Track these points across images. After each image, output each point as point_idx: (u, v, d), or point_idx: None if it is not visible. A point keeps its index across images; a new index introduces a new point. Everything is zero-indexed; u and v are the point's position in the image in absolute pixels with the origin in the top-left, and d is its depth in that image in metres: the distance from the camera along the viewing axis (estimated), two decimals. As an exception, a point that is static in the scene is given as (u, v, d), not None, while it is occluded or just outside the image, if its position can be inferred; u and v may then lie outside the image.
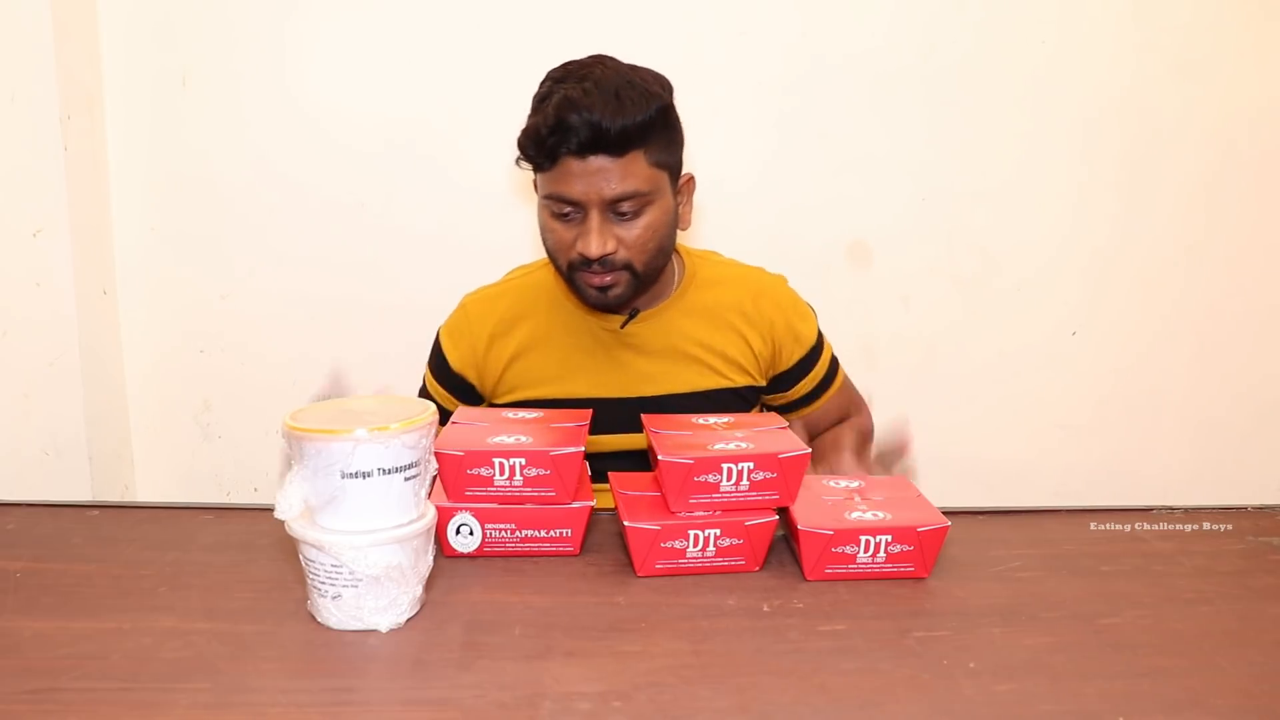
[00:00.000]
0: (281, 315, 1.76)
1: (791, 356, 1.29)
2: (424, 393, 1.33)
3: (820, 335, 1.32)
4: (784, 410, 1.31)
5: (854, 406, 1.37)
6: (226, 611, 0.81)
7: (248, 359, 1.78)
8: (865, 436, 1.34)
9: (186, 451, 1.79)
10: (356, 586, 0.78)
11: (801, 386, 1.30)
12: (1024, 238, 1.77)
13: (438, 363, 1.31)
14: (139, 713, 0.69)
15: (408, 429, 0.78)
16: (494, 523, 0.93)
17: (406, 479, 0.79)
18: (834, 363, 1.33)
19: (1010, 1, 1.70)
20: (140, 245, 1.73)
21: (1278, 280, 1.80)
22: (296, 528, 0.79)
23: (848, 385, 1.36)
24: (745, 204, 1.72)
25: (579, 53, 1.18)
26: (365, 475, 0.77)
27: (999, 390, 1.82)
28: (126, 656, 0.76)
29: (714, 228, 1.65)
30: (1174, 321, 1.80)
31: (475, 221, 1.72)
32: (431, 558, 0.83)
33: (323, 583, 0.79)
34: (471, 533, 0.93)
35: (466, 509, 0.93)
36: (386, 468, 0.77)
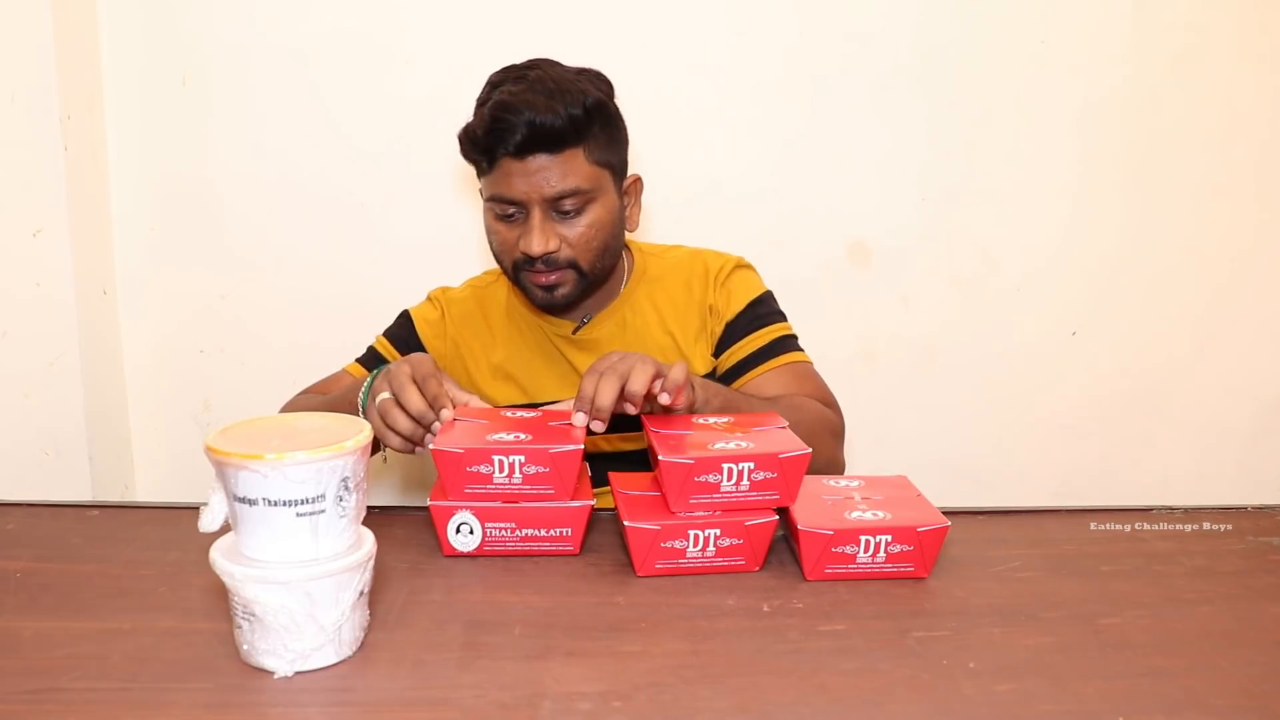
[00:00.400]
0: (282, 316, 1.76)
1: (723, 317, 1.26)
2: (370, 359, 1.32)
3: (763, 303, 1.28)
4: (726, 379, 1.24)
5: (819, 394, 1.23)
6: (226, 612, 0.81)
7: (248, 359, 1.78)
8: (806, 412, 1.16)
9: (186, 452, 1.79)
10: (249, 621, 0.72)
11: (736, 351, 1.25)
12: (1024, 238, 1.77)
13: (407, 340, 1.31)
14: (139, 713, 0.69)
15: (297, 461, 0.69)
16: (494, 522, 0.93)
17: (299, 514, 0.71)
18: (785, 341, 1.26)
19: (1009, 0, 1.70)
20: (140, 245, 1.73)
21: (1279, 278, 1.80)
22: (214, 546, 0.75)
23: (809, 375, 1.25)
24: (744, 205, 1.72)
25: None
26: (250, 502, 0.71)
27: (999, 390, 1.82)
28: (126, 657, 0.76)
29: (713, 229, 1.65)
30: (1174, 321, 1.80)
31: (477, 223, 1.72)
32: (360, 614, 0.76)
33: (232, 607, 0.74)
34: (471, 532, 0.93)
35: (466, 508, 0.93)
36: (272, 499, 0.70)
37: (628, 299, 1.28)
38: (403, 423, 0.99)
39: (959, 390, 1.82)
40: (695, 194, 1.69)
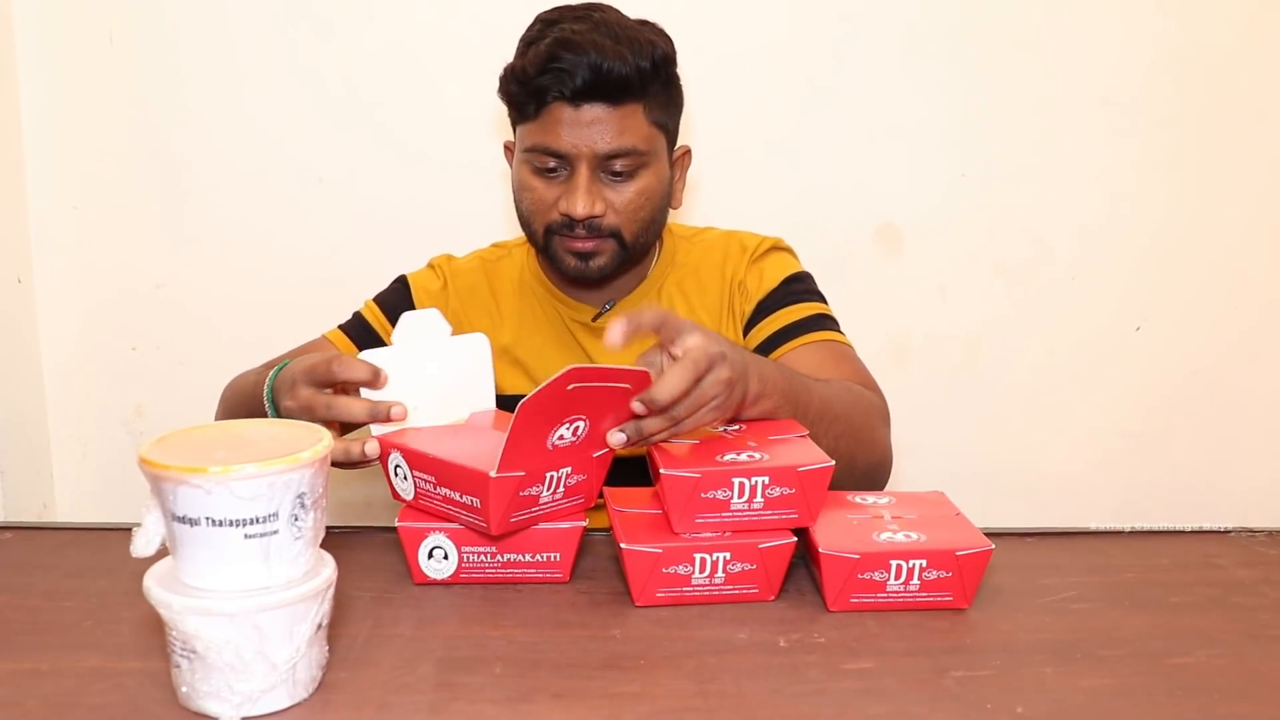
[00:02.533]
0: (226, 307, 1.76)
1: (754, 296, 1.28)
2: (355, 326, 1.32)
3: (800, 280, 1.30)
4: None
5: (860, 378, 1.22)
6: (162, 648, 0.81)
7: (187, 358, 1.78)
8: (860, 397, 1.15)
9: (115, 464, 1.79)
10: (189, 659, 0.71)
11: (767, 325, 1.26)
12: (1078, 219, 1.77)
13: (402, 308, 1.27)
14: (60, 765, 0.68)
15: (246, 475, 0.68)
16: (471, 545, 0.93)
17: (248, 536, 0.69)
18: (822, 320, 1.26)
19: (1064, -53, 1.70)
20: (60, 227, 1.73)
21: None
22: (149, 573, 0.74)
23: (849, 357, 1.24)
24: (760, 181, 1.73)
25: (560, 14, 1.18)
26: (191, 523, 0.69)
27: (1051, 394, 1.82)
28: (45, 702, 0.75)
29: (725, 208, 1.65)
30: (1252, 314, 1.81)
31: (448, 199, 1.72)
32: (317, 651, 0.75)
33: (169, 643, 0.72)
34: (446, 556, 0.93)
35: (440, 530, 0.93)
36: (217, 519, 0.68)
37: (655, 285, 1.30)
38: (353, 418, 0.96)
39: (1004, 394, 1.82)
40: (704, 168, 1.69)
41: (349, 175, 1.72)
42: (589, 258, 1.20)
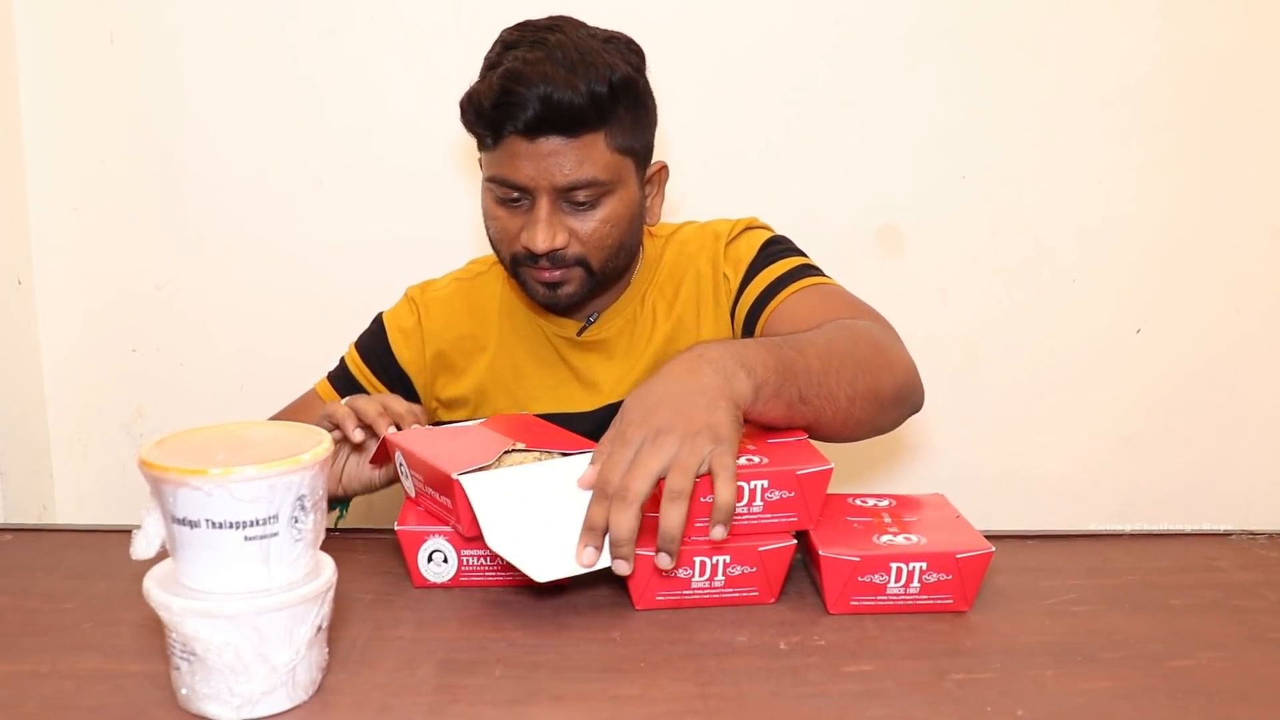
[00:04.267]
0: (227, 309, 1.75)
1: (734, 280, 1.24)
2: (340, 376, 1.34)
3: (777, 242, 1.26)
4: (747, 323, 1.22)
5: (855, 312, 1.17)
6: (162, 651, 0.81)
7: (188, 360, 1.77)
8: (848, 332, 1.08)
9: (115, 466, 1.79)
10: (189, 661, 0.71)
11: (751, 289, 1.22)
12: (1080, 220, 1.77)
13: (378, 351, 1.32)
14: (60, 767, 0.69)
15: (246, 477, 0.69)
16: (471, 549, 0.93)
17: (248, 538, 0.70)
18: (806, 269, 1.22)
19: (1065, -53, 1.70)
20: (61, 228, 1.73)
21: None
22: (148, 575, 0.74)
23: (839, 294, 1.20)
24: (759, 182, 1.72)
25: (581, 13, 1.17)
26: (192, 525, 0.70)
27: (1051, 396, 1.82)
28: (44, 704, 0.75)
29: (723, 210, 1.64)
30: (1253, 317, 1.80)
31: (448, 203, 1.72)
32: (317, 653, 0.76)
33: (169, 645, 0.73)
34: (445, 560, 0.94)
35: (439, 533, 0.93)
36: (217, 520, 0.69)
37: (637, 294, 1.28)
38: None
39: (1005, 396, 1.82)
40: (700, 168, 1.69)
41: (349, 178, 1.72)
42: (556, 287, 1.18)
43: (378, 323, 1.35)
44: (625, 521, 0.83)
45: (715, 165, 1.70)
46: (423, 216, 1.72)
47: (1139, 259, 1.78)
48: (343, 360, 1.35)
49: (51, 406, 1.77)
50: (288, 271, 1.73)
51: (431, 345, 1.31)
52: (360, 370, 1.32)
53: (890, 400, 1.06)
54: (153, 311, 1.76)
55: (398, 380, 1.31)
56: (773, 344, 0.98)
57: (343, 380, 1.33)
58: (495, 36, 1.20)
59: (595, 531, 0.85)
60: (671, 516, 0.83)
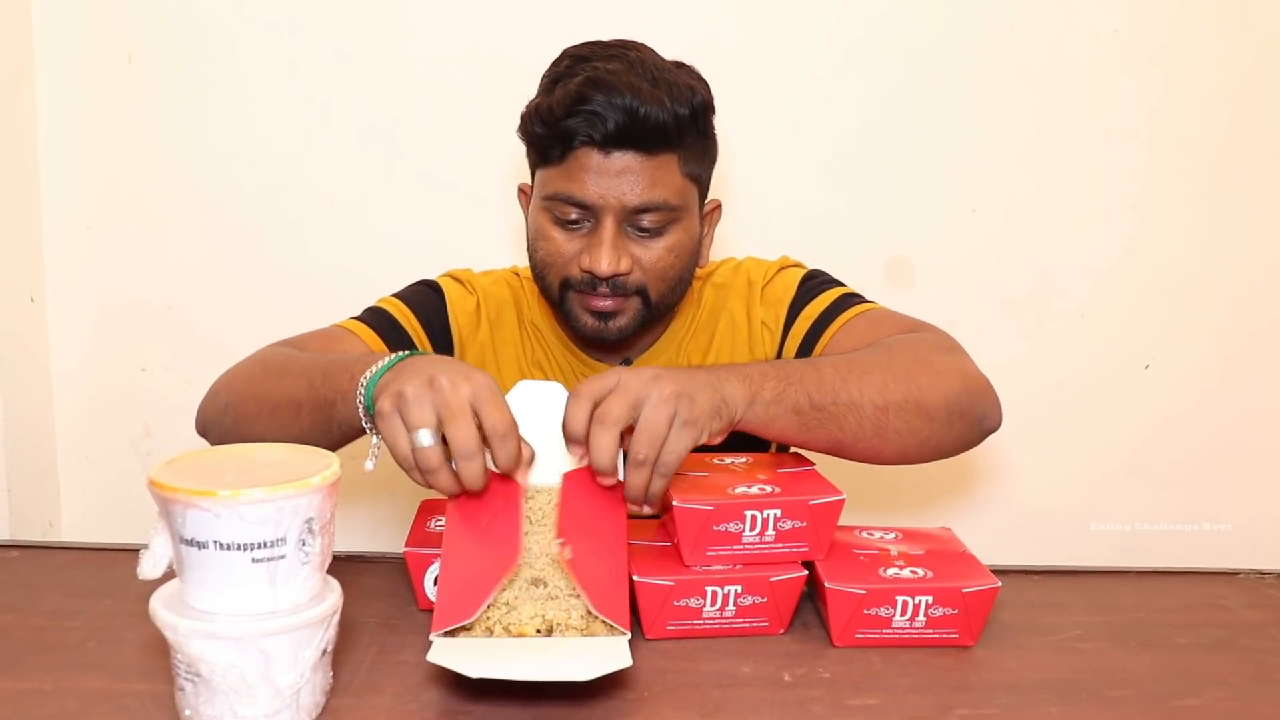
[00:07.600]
0: (237, 329, 1.75)
1: (775, 327, 1.20)
2: (383, 322, 1.19)
3: (813, 277, 1.23)
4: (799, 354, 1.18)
5: (908, 330, 1.13)
6: (166, 671, 0.81)
7: (197, 379, 1.76)
8: (885, 347, 1.05)
9: (122, 484, 1.79)
10: (194, 682, 0.71)
11: (797, 329, 1.18)
12: (1089, 255, 1.77)
13: (428, 309, 1.21)
14: (62, 786, 0.69)
15: (254, 499, 0.69)
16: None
17: (255, 560, 0.70)
18: (849, 299, 1.18)
19: (1075, -17, 1.71)
20: (74, 246, 1.74)
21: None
22: (155, 595, 0.74)
23: (886, 316, 1.15)
24: (769, 214, 1.73)
25: (572, 40, 1.17)
26: (199, 545, 0.70)
27: (1059, 431, 1.81)
28: (49, 721, 0.75)
29: (733, 242, 1.66)
30: (1264, 353, 1.80)
31: (460, 225, 1.72)
32: (321, 676, 0.76)
33: (173, 665, 0.73)
34: (450, 584, 0.93)
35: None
36: (224, 542, 0.69)
37: (674, 340, 1.23)
38: (445, 480, 0.84)
39: (1012, 430, 1.81)
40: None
41: (361, 199, 1.73)
42: (609, 318, 1.11)
43: (431, 287, 1.25)
44: (605, 443, 0.85)
45: (725, 196, 1.70)
46: (433, 239, 1.72)
47: (1148, 294, 1.78)
48: (379, 309, 1.22)
49: (60, 423, 1.78)
50: (298, 293, 1.74)
51: (485, 336, 1.24)
52: (408, 321, 1.20)
53: (940, 411, 0.98)
54: (163, 331, 1.76)
55: (444, 348, 1.22)
56: (779, 360, 0.97)
57: (386, 326, 1.18)
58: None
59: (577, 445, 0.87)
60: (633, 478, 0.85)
